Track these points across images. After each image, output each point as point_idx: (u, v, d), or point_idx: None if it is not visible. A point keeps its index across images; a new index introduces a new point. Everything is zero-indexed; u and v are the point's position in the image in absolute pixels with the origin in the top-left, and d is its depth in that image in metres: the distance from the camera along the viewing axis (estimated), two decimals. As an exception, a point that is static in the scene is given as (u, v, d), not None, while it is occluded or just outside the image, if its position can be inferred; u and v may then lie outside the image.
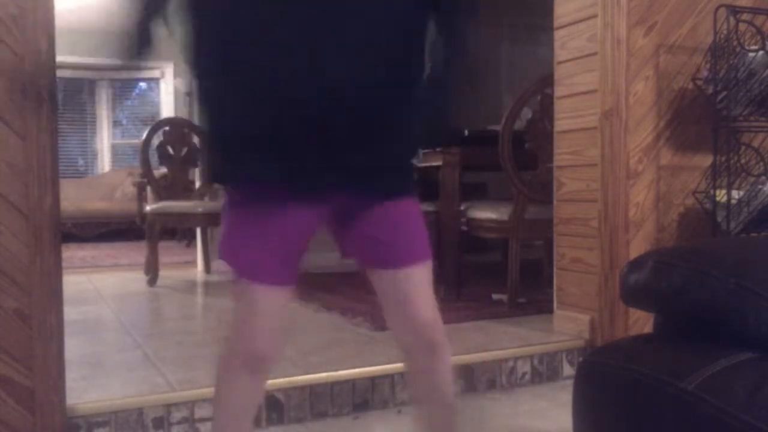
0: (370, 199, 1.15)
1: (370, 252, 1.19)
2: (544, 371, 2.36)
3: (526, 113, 3.11)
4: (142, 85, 8.74)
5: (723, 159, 2.33)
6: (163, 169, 4.66)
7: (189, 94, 7.06)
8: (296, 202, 1.10)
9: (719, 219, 2.33)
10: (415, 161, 1.23)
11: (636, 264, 1.17)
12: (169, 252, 5.60)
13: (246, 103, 1.06)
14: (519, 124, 3.12)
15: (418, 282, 1.18)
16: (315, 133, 1.05)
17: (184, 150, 4.59)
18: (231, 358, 1.21)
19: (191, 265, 4.92)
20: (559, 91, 2.61)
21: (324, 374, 2.05)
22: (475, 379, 2.24)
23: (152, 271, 4.06)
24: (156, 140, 4.51)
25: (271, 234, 1.12)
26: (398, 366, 2.11)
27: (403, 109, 1.11)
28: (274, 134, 1.06)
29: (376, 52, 1.06)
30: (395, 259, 1.17)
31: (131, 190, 6.00)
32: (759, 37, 2.33)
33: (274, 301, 1.15)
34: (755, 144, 2.40)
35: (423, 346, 1.22)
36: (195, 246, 5.09)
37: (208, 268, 4.65)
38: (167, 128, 4.59)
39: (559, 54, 2.60)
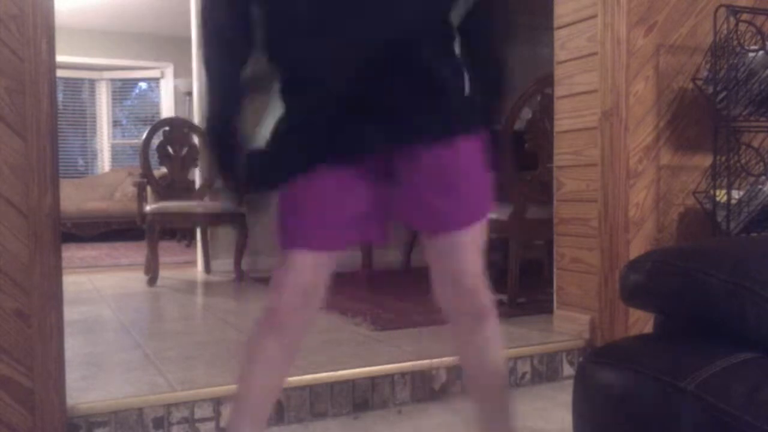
0: (412, 144, 1.10)
1: (418, 216, 1.17)
2: (544, 371, 2.36)
3: (526, 113, 3.11)
4: (142, 85, 8.74)
5: (723, 159, 2.33)
6: (163, 169, 4.66)
7: (189, 93, 7.06)
8: (337, 166, 1.11)
9: (719, 219, 2.33)
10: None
11: (636, 264, 1.17)
12: (169, 252, 5.61)
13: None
14: (519, 124, 3.12)
15: (466, 246, 1.16)
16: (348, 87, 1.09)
17: (184, 150, 4.60)
18: (261, 319, 1.22)
19: (191, 265, 4.92)
20: (559, 91, 2.61)
21: (324, 374, 2.05)
22: (475, 379, 2.24)
23: (152, 271, 4.07)
24: (156, 140, 4.52)
25: (311, 199, 1.14)
26: (398, 366, 2.11)
27: (437, 47, 1.14)
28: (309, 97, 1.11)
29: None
30: (443, 223, 1.15)
31: (131, 190, 6.00)
32: (759, 37, 2.33)
33: (308, 264, 1.17)
34: (755, 144, 2.40)
35: (469, 312, 1.21)
36: (195, 246, 5.09)
37: (208, 268, 4.65)
38: (167, 128, 4.60)
39: (559, 54, 2.60)
